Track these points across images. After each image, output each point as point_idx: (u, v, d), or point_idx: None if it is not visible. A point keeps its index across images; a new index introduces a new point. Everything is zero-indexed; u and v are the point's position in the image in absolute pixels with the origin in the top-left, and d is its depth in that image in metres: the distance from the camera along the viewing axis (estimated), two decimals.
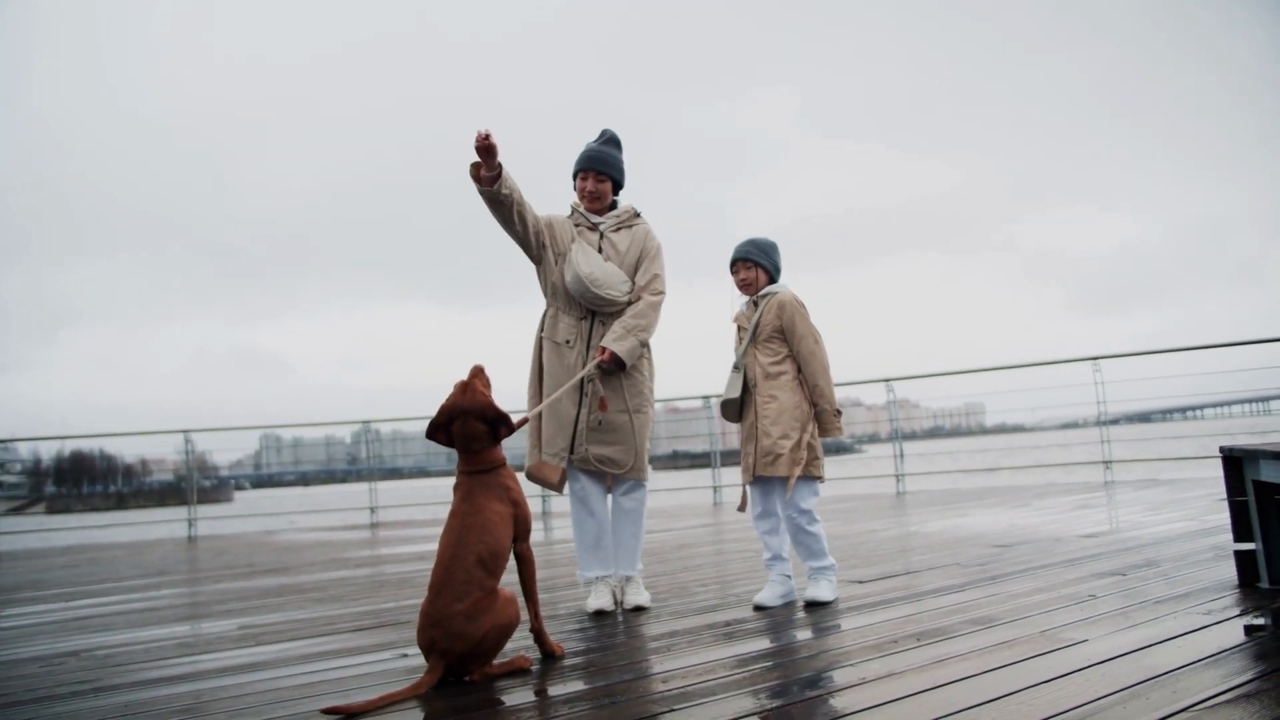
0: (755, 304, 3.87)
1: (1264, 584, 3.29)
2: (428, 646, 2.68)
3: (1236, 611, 2.95)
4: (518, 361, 4.00)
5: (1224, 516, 3.58)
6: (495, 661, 2.77)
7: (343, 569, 6.14)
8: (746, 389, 3.80)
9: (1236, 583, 3.38)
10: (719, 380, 3.90)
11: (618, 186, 3.98)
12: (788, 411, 3.68)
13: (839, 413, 3.74)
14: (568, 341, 3.81)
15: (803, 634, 3.15)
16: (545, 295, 3.93)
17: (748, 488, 3.83)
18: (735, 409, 3.85)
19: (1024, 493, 8.81)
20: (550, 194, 3.99)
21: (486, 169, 3.53)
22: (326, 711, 2.42)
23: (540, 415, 3.81)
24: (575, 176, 3.95)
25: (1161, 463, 10.45)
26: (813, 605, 3.59)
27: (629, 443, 3.80)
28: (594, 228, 3.90)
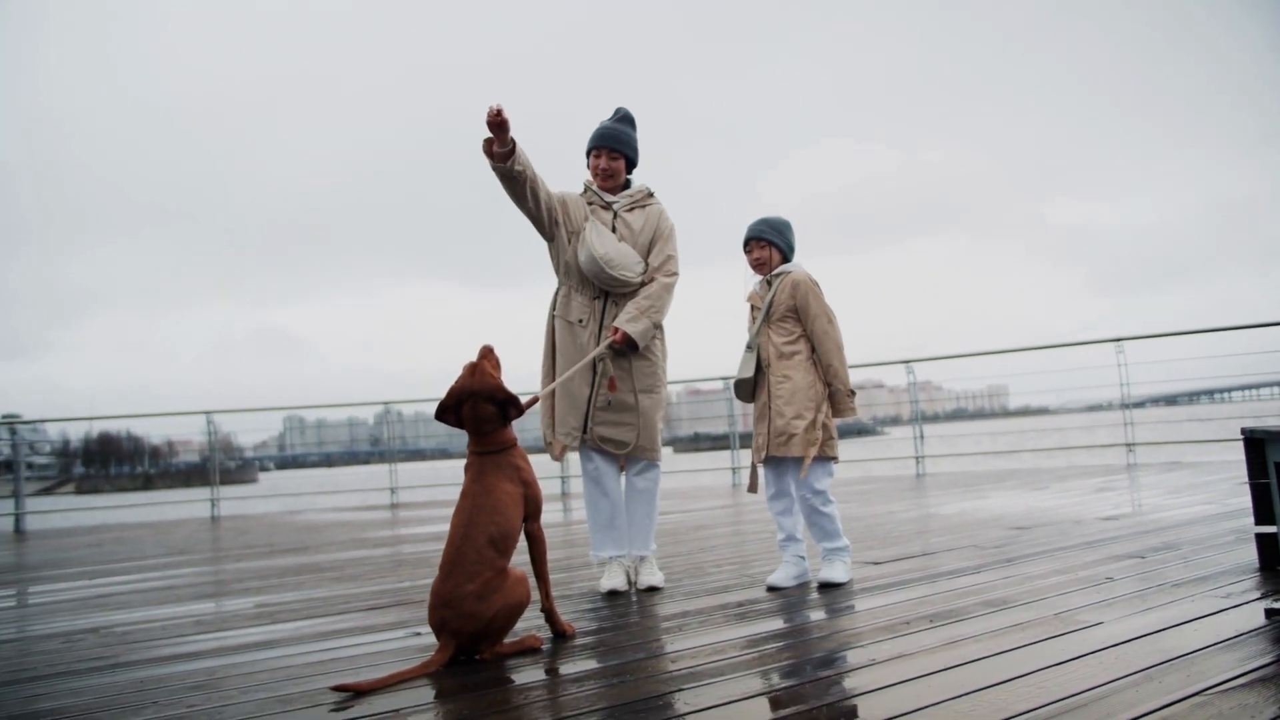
0: (769, 283, 3.83)
1: None
2: (439, 626, 2.69)
3: (1256, 595, 2.90)
4: (533, 343, 3.99)
5: (1246, 500, 3.53)
6: (506, 641, 2.78)
7: (361, 549, 6.19)
8: (760, 369, 3.78)
9: (1257, 566, 3.33)
10: (738, 362, 3.87)
11: (631, 165, 3.94)
12: (801, 391, 3.65)
13: (853, 393, 3.71)
14: (580, 321, 3.79)
15: (815, 615, 3.14)
16: (557, 274, 3.91)
17: (759, 468, 3.81)
18: (748, 389, 3.82)
19: (1045, 475, 8.73)
20: (570, 167, 3.95)
21: (499, 145, 3.50)
22: (336, 689, 2.44)
23: (554, 394, 3.80)
24: (589, 154, 3.91)
25: (1185, 445, 10.32)
26: (826, 586, 3.58)
27: (635, 423, 3.78)
28: (608, 206, 3.87)
